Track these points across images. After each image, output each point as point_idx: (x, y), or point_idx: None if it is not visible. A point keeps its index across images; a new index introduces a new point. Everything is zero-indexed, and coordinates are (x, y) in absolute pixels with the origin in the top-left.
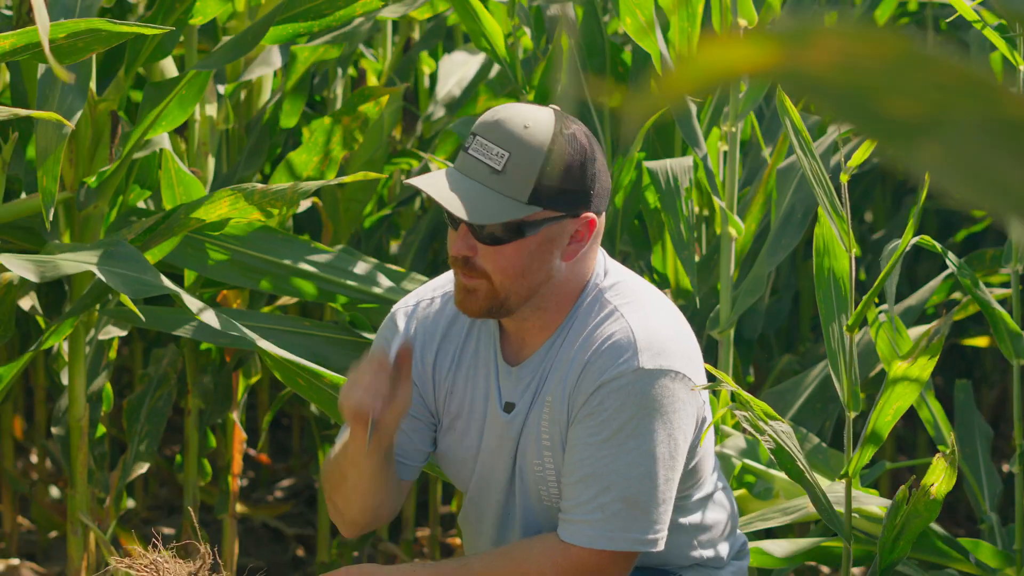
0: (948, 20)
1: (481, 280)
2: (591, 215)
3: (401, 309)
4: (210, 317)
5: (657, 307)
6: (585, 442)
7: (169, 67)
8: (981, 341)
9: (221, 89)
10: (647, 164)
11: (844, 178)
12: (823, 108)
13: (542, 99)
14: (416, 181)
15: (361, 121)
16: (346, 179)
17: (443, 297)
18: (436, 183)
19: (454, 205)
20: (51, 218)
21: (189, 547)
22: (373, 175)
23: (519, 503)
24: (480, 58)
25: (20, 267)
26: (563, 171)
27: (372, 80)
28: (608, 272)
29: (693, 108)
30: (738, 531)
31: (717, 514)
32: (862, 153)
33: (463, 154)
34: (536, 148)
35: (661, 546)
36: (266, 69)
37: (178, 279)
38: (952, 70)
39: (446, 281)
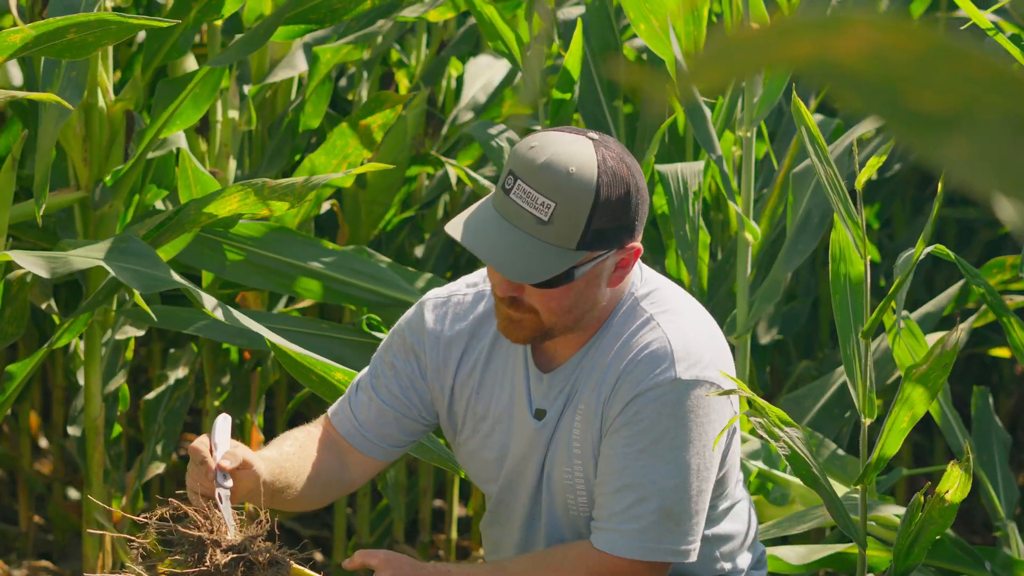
0: (962, 28)
1: (528, 314)
2: (635, 244)
3: (432, 300)
4: (223, 314)
5: (693, 315)
6: (622, 452)
7: (193, 68)
8: (1002, 352)
9: (245, 90)
10: (658, 167)
11: (859, 185)
12: (850, 100)
13: (558, 108)
14: (456, 232)
15: (378, 126)
16: (355, 171)
17: (476, 295)
18: (478, 232)
19: (501, 264)
20: (43, 212)
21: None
22: (383, 166)
23: (544, 510)
24: (506, 62)
25: (31, 263)
26: (609, 212)
27: (402, 82)
28: (644, 280)
29: (707, 111)
30: (758, 543)
31: (739, 525)
32: (875, 163)
33: (504, 196)
34: (583, 195)
35: (694, 557)
36: (290, 72)
37: (196, 281)
38: (983, 64)
39: (480, 279)
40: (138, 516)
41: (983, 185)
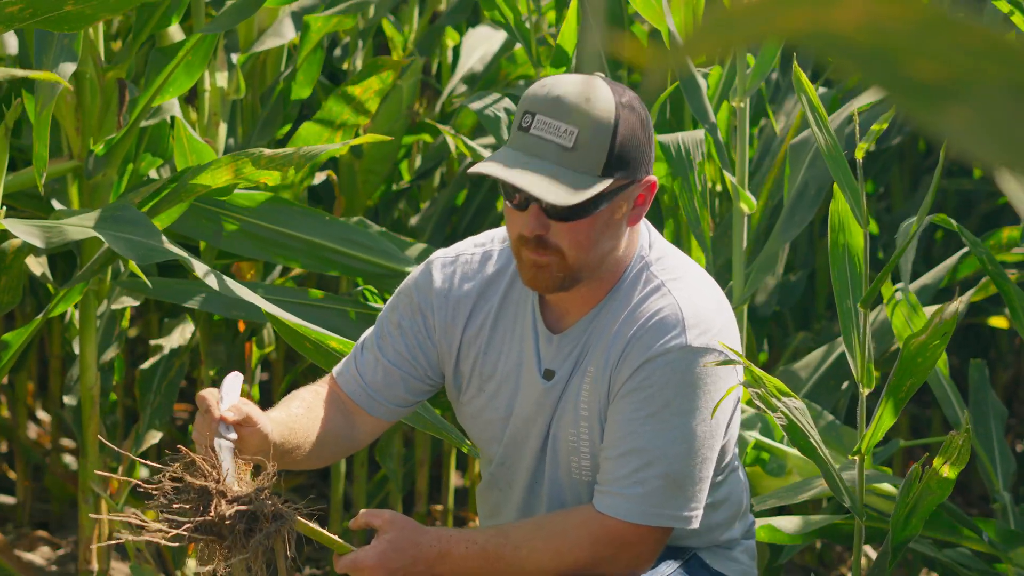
0: None
1: (554, 256)
2: (651, 178)
3: (439, 259)
4: (217, 283)
5: (702, 283)
6: (628, 417)
7: (179, 37)
8: (1000, 322)
9: (234, 59)
10: (659, 137)
11: (859, 155)
12: (849, 69)
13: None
14: (483, 168)
15: (373, 92)
16: (352, 142)
17: (483, 255)
18: (504, 168)
19: (536, 189)
20: (43, 180)
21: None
22: (379, 137)
23: (548, 473)
24: (504, 33)
25: (26, 233)
26: (629, 138)
27: (396, 52)
28: (653, 245)
29: (703, 83)
30: (749, 513)
31: (734, 494)
32: (875, 132)
33: (522, 134)
34: (604, 119)
35: (696, 524)
36: (278, 40)
37: (193, 253)
38: (978, 34)
39: (487, 239)
40: (149, 466)
41: (984, 154)
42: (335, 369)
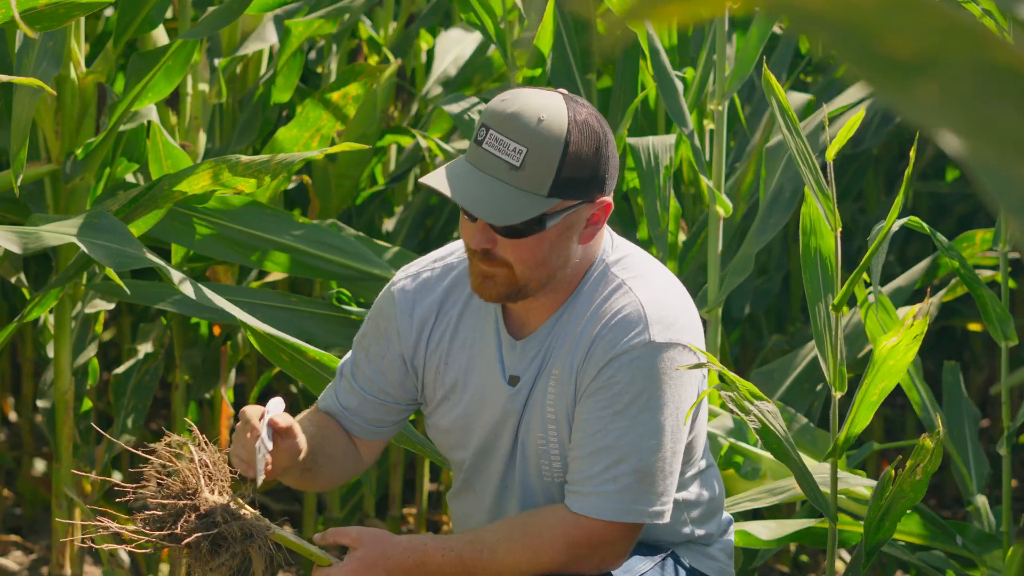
0: None
1: (501, 268)
2: (606, 199)
3: (401, 281)
4: (193, 290)
5: (663, 280)
6: (597, 415)
7: (163, 40)
8: (974, 325)
9: (216, 63)
10: (629, 140)
11: (829, 157)
12: (822, 42)
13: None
14: (431, 181)
15: (351, 98)
16: (329, 150)
17: (444, 268)
18: (452, 181)
19: (475, 206)
20: (19, 183)
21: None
22: (357, 146)
23: (518, 477)
24: (477, 36)
25: (3, 239)
26: (579, 160)
27: (371, 55)
28: (615, 247)
29: (679, 85)
30: (724, 510)
31: (707, 490)
32: (845, 133)
33: (476, 148)
34: (553, 141)
35: (667, 519)
36: (261, 45)
37: (165, 253)
38: (942, 14)
39: (448, 252)
40: (132, 471)
41: (951, 130)
42: (321, 395)
